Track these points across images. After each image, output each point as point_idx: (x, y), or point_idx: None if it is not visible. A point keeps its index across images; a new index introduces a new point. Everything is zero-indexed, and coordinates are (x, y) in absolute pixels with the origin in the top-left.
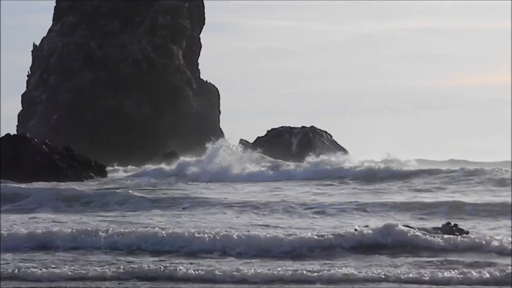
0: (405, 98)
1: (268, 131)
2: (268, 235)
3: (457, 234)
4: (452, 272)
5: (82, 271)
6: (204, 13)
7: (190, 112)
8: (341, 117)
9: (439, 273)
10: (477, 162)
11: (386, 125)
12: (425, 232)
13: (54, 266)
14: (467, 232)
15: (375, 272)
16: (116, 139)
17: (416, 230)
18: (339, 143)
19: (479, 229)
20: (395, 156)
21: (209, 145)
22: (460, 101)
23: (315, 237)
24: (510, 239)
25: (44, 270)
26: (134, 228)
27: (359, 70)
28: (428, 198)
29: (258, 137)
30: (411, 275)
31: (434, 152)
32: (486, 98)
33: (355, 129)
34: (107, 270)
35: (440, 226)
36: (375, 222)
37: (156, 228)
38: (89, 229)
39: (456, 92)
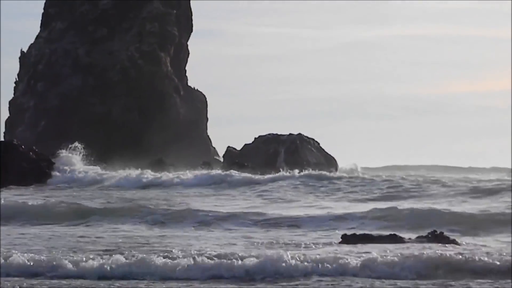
0: (394, 104)
1: (255, 138)
2: None
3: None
4: None
5: None
6: (191, 20)
7: (178, 119)
8: (330, 123)
9: None
10: (458, 168)
11: (376, 131)
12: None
13: None
14: (455, 241)
15: None
16: (104, 146)
17: None
18: (326, 150)
19: None
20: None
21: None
22: (450, 107)
23: None
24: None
25: None
26: None
27: (348, 77)
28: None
29: (245, 144)
30: None
31: (422, 157)
32: (476, 105)
33: (344, 136)
34: None
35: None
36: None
37: None
38: None
39: (446, 98)
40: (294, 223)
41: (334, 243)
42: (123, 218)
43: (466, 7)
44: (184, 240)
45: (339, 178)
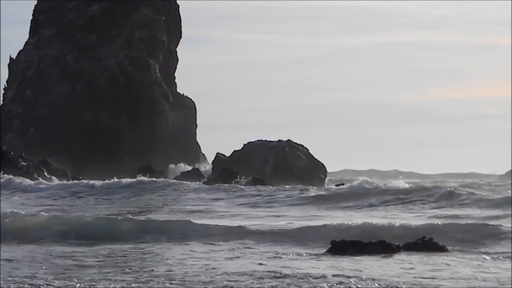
0: (382, 111)
1: (244, 144)
2: None
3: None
4: None
5: None
6: (181, 26)
7: (167, 126)
8: (319, 129)
9: None
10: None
11: (364, 138)
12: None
13: None
14: (445, 249)
15: None
16: (93, 152)
17: None
18: (315, 156)
19: None
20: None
21: None
22: (437, 114)
23: None
24: None
25: None
26: None
27: (337, 84)
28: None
29: (234, 151)
30: None
31: (410, 163)
32: (464, 112)
33: (333, 142)
34: None
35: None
36: None
37: None
38: None
39: (433, 105)
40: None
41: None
42: None
43: (454, 15)
44: None
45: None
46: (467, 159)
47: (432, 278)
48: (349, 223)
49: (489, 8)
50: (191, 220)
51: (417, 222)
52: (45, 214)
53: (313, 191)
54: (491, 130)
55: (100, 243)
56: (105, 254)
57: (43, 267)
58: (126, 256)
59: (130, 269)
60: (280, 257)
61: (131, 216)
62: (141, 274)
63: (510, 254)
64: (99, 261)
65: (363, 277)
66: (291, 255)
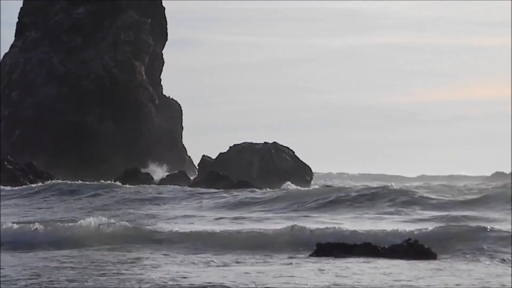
0: (370, 112)
1: (230, 147)
2: None
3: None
4: None
5: None
6: (166, 29)
7: (153, 128)
8: (305, 131)
9: None
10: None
11: (351, 139)
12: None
13: None
14: (433, 254)
15: None
16: (79, 155)
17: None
18: (301, 158)
19: None
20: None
21: None
22: (425, 116)
23: None
24: None
25: None
26: None
27: (324, 86)
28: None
29: (220, 153)
30: None
31: (398, 165)
32: (451, 114)
33: (319, 144)
34: None
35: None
36: None
37: None
38: None
39: (421, 107)
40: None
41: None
42: None
43: (438, 16)
44: None
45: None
46: (454, 161)
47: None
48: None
49: (473, 9)
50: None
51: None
52: None
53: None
54: (477, 131)
55: None
56: None
57: None
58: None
59: None
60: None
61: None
62: None
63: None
64: None
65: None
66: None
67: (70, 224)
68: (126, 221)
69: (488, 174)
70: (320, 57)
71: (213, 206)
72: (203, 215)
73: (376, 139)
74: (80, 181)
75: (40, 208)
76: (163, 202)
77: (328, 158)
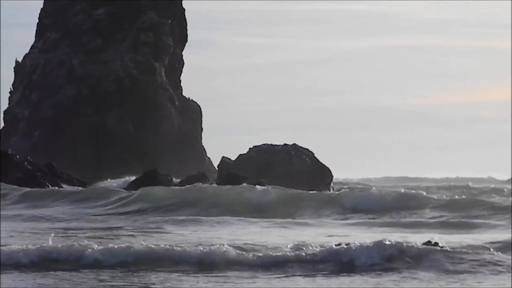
0: (385, 114)
1: (250, 148)
2: None
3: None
4: None
5: None
6: (186, 30)
7: (172, 129)
8: (325, 133)
9: None
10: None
11: (369, 142)
12: None
13: None
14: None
15: None
16: (98, 156)
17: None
18: (321, 160)
19: None
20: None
21: None
22: (438, 118)
23: None
24: None
25: None
26: None
27: (340, 87)
28: None
29: (240, 155)
30: None
31: (412, 167)
32: (464, 116)
33: (338, 146)
34: None
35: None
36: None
37: None
38: None
39: (434, 109)
40: None
41: None
42: None
43: (455, 18)
44: None
45: None
46: (472, 164)
47: None
48: None
49: (490, 11)
50: None
51: None
52: None
53: None
54: (492, 134)
55: None
56: None
57: None
58: None
59: None
60: None
61: None
62: None
63: None
64: None
65: None
66: None
67: None
68: None
69: (504, 178)
70: (336, 59)
71: None
72: None
73: (393, 141)
74: None
75: None
76: None
77: (344, 161)
